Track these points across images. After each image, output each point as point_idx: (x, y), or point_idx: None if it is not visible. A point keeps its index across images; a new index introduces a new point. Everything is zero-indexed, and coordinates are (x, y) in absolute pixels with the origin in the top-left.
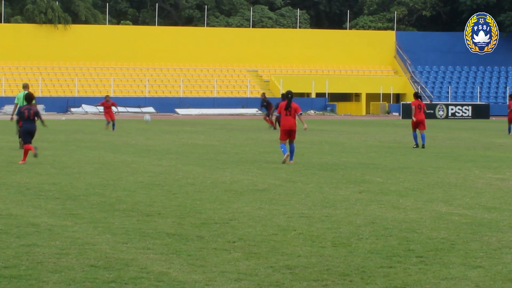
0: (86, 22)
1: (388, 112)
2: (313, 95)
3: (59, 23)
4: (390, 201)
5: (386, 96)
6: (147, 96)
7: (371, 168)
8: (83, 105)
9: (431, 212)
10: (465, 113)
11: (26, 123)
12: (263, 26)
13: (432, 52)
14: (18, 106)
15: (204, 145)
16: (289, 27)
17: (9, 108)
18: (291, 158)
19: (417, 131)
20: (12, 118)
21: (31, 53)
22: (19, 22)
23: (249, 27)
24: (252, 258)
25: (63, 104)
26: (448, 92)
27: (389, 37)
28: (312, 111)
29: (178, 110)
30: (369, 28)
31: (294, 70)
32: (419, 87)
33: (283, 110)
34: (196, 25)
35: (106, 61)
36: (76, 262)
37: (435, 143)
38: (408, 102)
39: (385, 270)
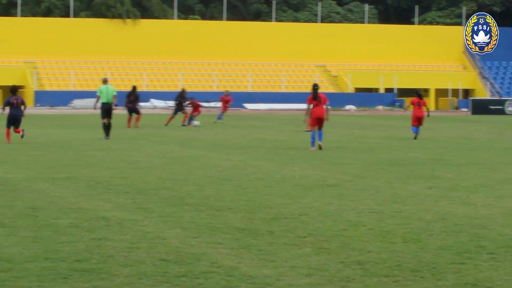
0: (155, 17)
1: (457, 108)
2: (382, 90)
3: (128, 17)
4: (460, 197)
5: (455, 92)
6: (215, 90)
7: (440, 163)
8: (151, 100)
9: (502, 208)
10: None
11: (15, 110)
12: (331, 21)
13: (501, 47)
14: (100, 98)
15: (272, 140)
16: (357, 22)
17: (78, 102)
18: (320, 139)
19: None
20: (95, 107)
21: (100, 48)
22: (84, 17)
23: (317, 22)
24: (323, 253)
25: None
26: None
27: (458, 32)
28: (380, 107)
29: (246, 105)
30: (437, 23)
31: (362, 66)
32: (488, 83)
33: (313, 101)
34: (264, 20)
35: (174, 56)
36: (147, 256)
37: (505, 139)
38: (477, 98)
39: (456, 266)
